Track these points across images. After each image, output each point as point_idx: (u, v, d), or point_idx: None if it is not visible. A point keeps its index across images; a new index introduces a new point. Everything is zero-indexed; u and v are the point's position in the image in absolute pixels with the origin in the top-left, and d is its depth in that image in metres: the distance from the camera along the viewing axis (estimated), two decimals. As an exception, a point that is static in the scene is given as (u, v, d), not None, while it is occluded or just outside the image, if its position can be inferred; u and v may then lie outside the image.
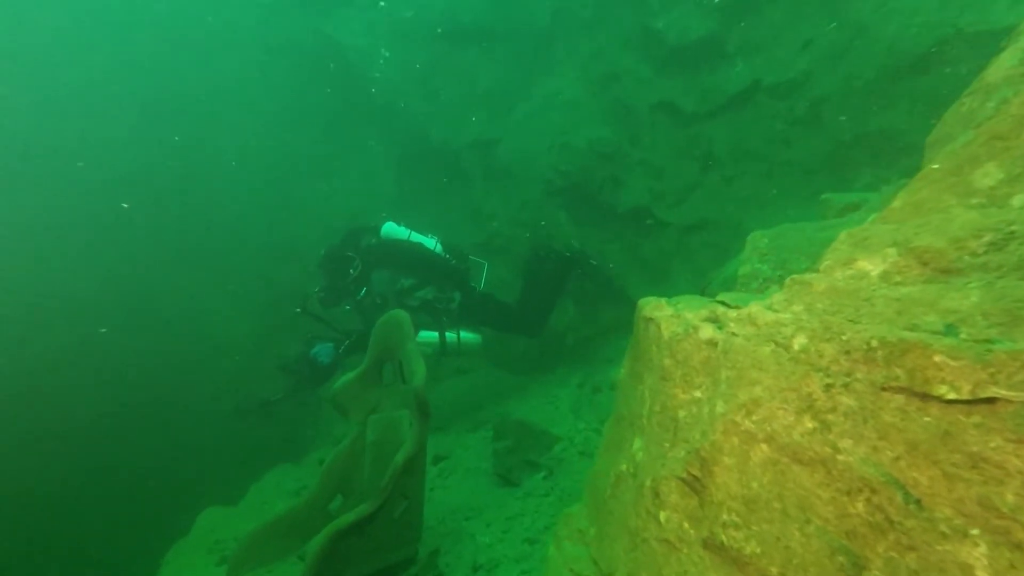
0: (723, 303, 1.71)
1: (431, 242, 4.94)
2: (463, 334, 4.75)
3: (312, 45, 7.87)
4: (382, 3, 7.50)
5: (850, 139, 4.10)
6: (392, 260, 4.78)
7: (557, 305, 5.04)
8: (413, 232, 4.92)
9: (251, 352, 7.31)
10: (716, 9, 5.30)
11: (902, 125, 3.73)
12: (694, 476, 1.42)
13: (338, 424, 6.04)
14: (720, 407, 1.38)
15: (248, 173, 8.20)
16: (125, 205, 7.18)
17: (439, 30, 7.16)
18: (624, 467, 1.87)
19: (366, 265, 4.67)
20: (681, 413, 1.57)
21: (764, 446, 1.24)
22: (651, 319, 1.79)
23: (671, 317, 1.71)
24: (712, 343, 1.49)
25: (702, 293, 3.85)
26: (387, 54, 7.28)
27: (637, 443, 1.81)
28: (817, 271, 1.42)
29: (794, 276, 1.46)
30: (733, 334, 1.44)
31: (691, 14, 5.45)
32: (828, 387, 1.13)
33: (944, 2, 3.52)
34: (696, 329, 1.56)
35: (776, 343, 1.31)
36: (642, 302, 1.89)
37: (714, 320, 1.57)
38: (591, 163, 5.73)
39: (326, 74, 7.95)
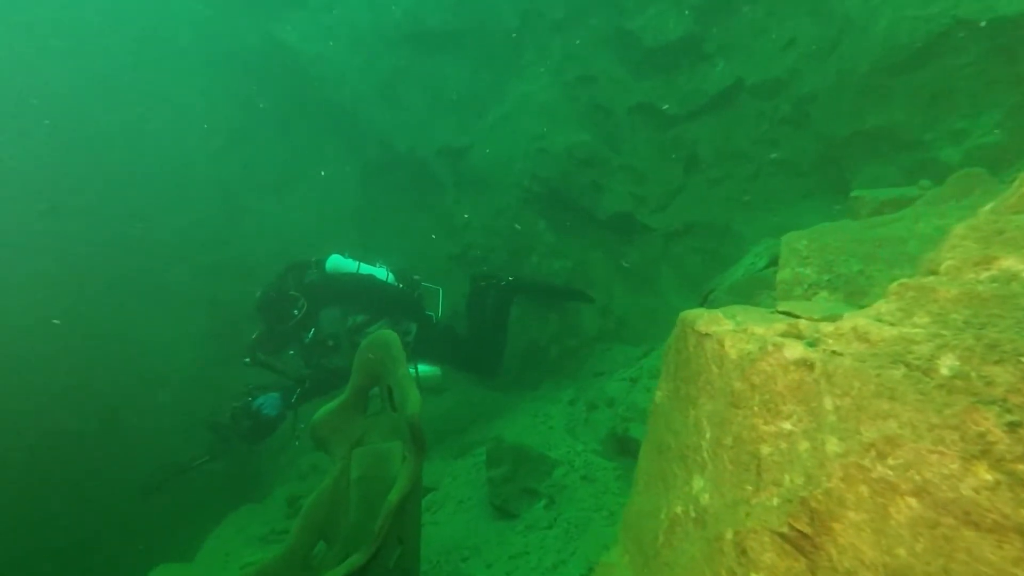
0: (791, 314, 1.47)
1: (382, 272, 4.57)
2: (421, 368, 4.40)
3: (263, 51, 7.39)
4: (334, 11, 7.09)
5: (845, 137, 3.99)
6: (341, 296, 4.36)
7: (507, 338, 4.77)
8: (362, 263, 4.53)
9: (193, 383, 6.66)
10: (693, 8, 5.17)
11: (901, 120, 3.64)
12: (799, 532, 1.14)
13: (305, 455, 5.54)
14: (834, 446, 1.11)
15: (192, 186, 7.57)
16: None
17: (403, 33, 6.83)
18: (680, 509, 1.58)
19: (312, 304, 4.22)
20: (764, 449, 1.30)
21: (912, 500, 0.97)
22: (707, 334, 1.52)
23: (736, 332, 1.44)
24: (805, 364, 1.22)
25: (704, 300, 3.62)
26: (331, 56, 6.87)
27: (698, 482, 1.52)
28: (936, 273, 1.17)
29: (904, 281, 1.21)
30: (835, 353, 1.18)
31: (667, 14, 5.31)
32: (1012, 427, 0.87)
33: (936, -6, 3.45)
34: (778, 347, 1.29)
35: (908, 365, 1.05)
36: (691, 315, 1.62)
37: (798, 335, 1.31)
38: (570, 168, 5.49)
39: (277, 81, 7.46)
